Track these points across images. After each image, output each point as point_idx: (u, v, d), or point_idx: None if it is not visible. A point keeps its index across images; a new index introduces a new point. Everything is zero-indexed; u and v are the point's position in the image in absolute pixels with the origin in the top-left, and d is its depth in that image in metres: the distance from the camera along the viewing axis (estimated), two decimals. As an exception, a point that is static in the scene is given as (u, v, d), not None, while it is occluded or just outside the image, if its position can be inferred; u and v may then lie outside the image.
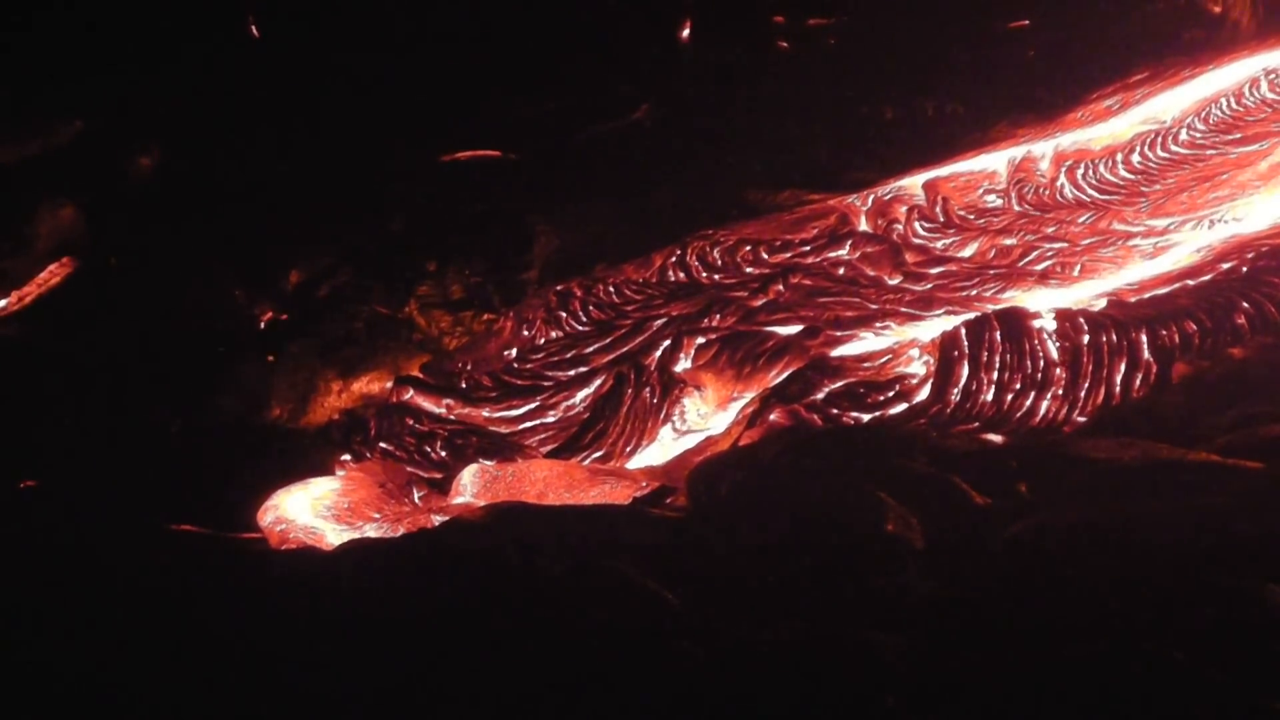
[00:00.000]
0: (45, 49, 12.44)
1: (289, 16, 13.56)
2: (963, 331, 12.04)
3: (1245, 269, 12.01)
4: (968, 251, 15.25)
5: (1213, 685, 4.14)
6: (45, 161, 13.06)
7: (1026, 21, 14.43)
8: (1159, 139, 15.99)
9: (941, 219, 15.77)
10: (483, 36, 13.65)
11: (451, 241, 15.08)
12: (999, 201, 16.06)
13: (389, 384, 14.42)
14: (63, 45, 12.48)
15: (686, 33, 14.48)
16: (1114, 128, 16.16)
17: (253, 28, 13.55)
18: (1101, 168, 16.01)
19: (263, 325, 14.34)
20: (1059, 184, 15.95)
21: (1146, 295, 12.41)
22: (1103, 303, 12.52)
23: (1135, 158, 15.96)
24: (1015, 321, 11.94)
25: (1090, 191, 15.78)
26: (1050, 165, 16.18)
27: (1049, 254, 14.63)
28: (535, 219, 15.23)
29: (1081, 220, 15.28)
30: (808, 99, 14.76)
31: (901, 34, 14.40)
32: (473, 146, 14.71)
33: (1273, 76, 16.00)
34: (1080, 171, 16.03)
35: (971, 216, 15.86)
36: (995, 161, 16.24)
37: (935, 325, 13.51)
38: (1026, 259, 14.68)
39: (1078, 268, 14.15)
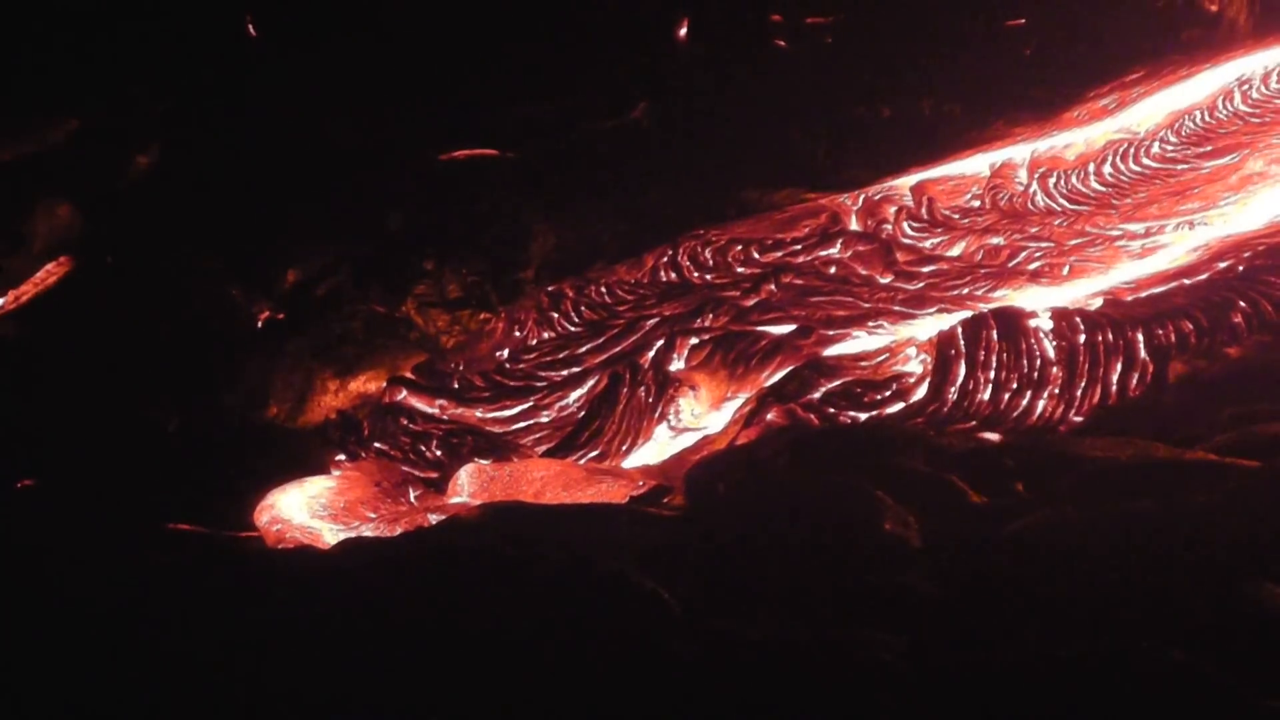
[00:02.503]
0: (43, 48, 12.42)
1: (286, 16, 13.55)
2: (959, 331, 12.05)
3: (1242, 268, 12.02)
4: (955, 251, 15.27)
5: (1211, 684, 4.14)
6: (42, 160, 13.03)
7: (1023, 20, 14.44)
8: (1131, 150, 16.00)
9: (930, 219, 15.78)
10: (480, 36, 13.65)
11: (449, 241, 15.07)
12: (983, 204, 16.11)
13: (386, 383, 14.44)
14: (60, 44, 12.46)
15: (684, 31, 14.48)
16: (1089, 134, 16.21)
17: (250, 27, 13.54)
18: (1074, 178, 16.03)
19: (260, 324, 14.32)
20: (1031, 191, 15.99)
21: (1143, 294, 12.42)
22: (1099, 302, 12.53)
23: (1106, 169, 15.99)
24: (1012, 321, 11.95)
25: (1061, 201, 15.81)
26: (1026, 172, 16.23)
27: (1037, 254, 14.65)
28: (533, 218, 15.22)
29: (1057, 224, 15.32)
30: (805, 98, 14.76)
31: (898, 33, 14.41)
32: (470, 146, 14.70)
33: (1246, 88, 16.01)
34: (1052, 181, 16.05)
35: (957, 216, 15.88)
36: (982, 165, 16.29)
37: (929, 324, 13.52)
38: (1015, 260, 14.70)
39: (1066, 268, 14.17)
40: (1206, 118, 16.08)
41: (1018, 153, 16.24)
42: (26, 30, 12.26)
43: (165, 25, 12.76)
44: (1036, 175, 16.11)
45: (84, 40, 12.53)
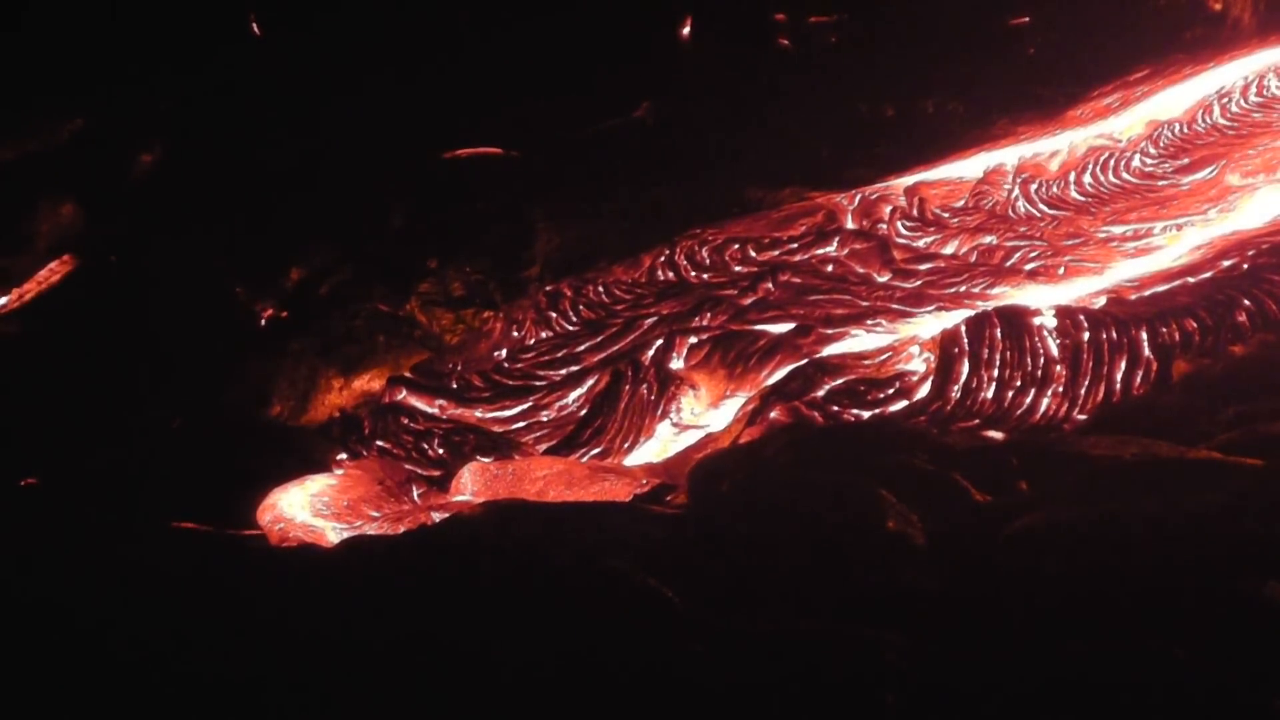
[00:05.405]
0: (46, 47, 12.43)
1: (290, 14, 13.55)
2: (963, 328, 12.04)
3: (1246, 266, 12.00)
4: (950, 249, 15.25)
5: (1213, 682, 4.14)
6: (46, 159, 13.04)
7: (1027, 19, 14.43)
8: (1111, 161, 15.99)
9: (924, 219, 15.76)
10: (484, 34, 13.65)
11: (453, 239, 15.08)
12: (967, 206, 16.11)
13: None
14: (63, 43, 12.46)
15: (688, 30, 14.47)
16: (1074, 139, 16.21)
17: (254, 25, 13.54)
18: (1054, 187, 16.03)
19: (263, 323, 14.34)
20: (1014, 197, 15.97)
21: (1147, 293, 12.40)
22: (1103, 300, 12.51)
23: (1087, 178, 15.97)
24: (1016, 319, 11.93)
25: (1042, 207, 15.80)
26: (1013, 178, 16.22)
27: (1032, 254, 14.64)
28: (536, 216, 15.23)
29: (1043, 226, 15.31)
30: (809, 97, 14.75)
31: (902, 32, 14.39)
32: (473, 144, 14.70)
33: (1225, 100, 16.00)
34: (1034, 187, 16.03)
35: (947, 216, 15.87)
36: (979, 168, 16.29)
37: (928, 322, 13.51)
38: (1011, 260, 14.68)
39: (1062, 268, 14.16)
40: (1184, 130, 16.10)
41: (1010, 157, 16.27)
42: (29, 28, 12.27)
43: (168, 23, 12.76)
44: (1019, 181, 16.11)
45: (87, 38, 12.53)
